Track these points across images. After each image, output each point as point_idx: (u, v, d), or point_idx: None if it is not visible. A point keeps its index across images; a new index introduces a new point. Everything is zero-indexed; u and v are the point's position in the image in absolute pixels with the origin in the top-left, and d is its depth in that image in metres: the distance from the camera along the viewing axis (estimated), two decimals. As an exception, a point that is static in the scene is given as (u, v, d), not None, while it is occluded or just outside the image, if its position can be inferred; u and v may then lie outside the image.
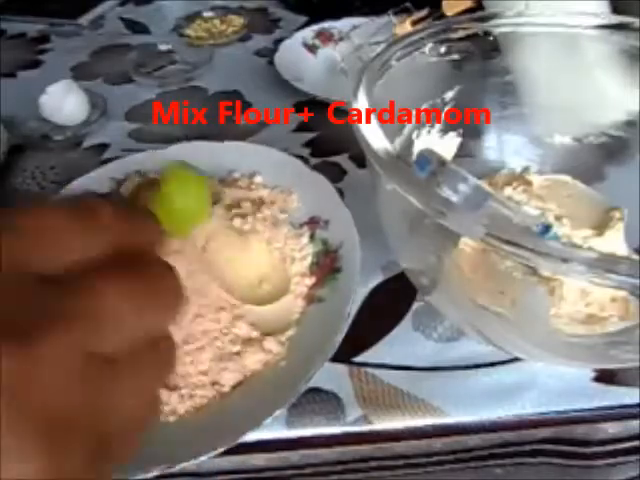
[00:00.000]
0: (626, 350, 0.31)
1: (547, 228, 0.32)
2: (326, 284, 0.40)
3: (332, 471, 0.37)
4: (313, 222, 0.44)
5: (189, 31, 0.76)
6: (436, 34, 0.37)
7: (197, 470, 0.35)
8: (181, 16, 0.80)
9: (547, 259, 0.22)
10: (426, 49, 0.37)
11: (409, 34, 0.36)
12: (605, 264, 0.21)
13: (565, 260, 0.21)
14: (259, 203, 0.44)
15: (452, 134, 0.42)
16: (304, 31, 0.71)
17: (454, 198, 0.20)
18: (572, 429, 0.36)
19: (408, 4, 0.64)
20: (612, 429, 0.35)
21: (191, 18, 0.79)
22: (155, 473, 0.29)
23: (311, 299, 0.39)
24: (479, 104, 0.42)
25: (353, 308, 0.39)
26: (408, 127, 0.39)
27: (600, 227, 0.38)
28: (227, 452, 0.34)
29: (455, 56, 0.38)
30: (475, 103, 0.41)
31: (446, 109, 0.40)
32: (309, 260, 0.41)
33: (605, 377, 0.35)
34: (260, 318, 0.38)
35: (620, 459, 0.37)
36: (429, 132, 0.40)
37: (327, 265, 0.41)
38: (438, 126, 0.41)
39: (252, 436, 0.34)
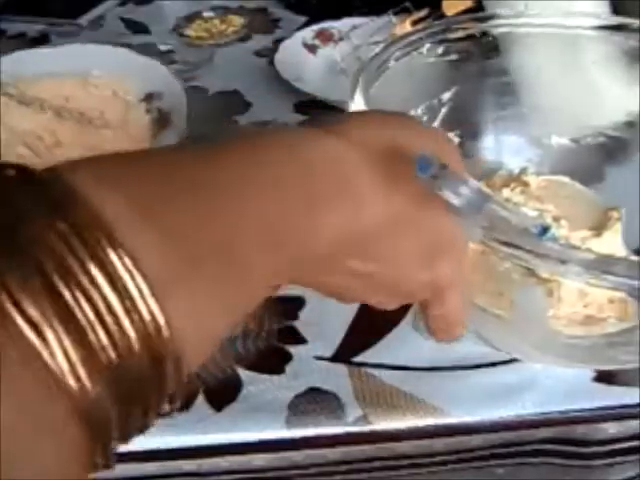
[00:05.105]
0: (625, 351, 0.31)
1: (545, 229, 0.32)
2: (159, 134, 0.49)
3: (336, 471, 0.37)
4: (148, 97, 0.54)
5: (189, 31, 0.76)
6: (434, 34, 0.37)
7: (197, 470, 0.35)
8: (181, 16, 0.80)
9: (545, 260, 0.22)
10: (424, 50, 0.37)
11: (407, 35, 0.36)
12: (602, 265, 0.21)
13: (563, 261, 0.21)
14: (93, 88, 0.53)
15: (450, 135, 0.42)
16: (304, 31, 0.71)
17: (455, 201, 0.20)
18: (572, 429, 0.35)
19: (408, 4, 0.64)
20: (612, 429, 0.35)
21: (191, 18, 0.79)
22: None
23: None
24: (477, 105, 0.42)
25: (352, 310, 0.40)
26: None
27: (598, 228, 0.38)
28: (228, 452, 0.34)
29: (453, 57, 0.38)
30: (473, 104, 0.41)
31: (444, 110, 0.40)
32: (148, 130, 0.50)
33: (605, 377, 0.35)
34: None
35: (618, 459, 0.37)
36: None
37: (162, 121, 0.51)
38: (436, 127, 0.41)
39: (253, 436, 0.34)
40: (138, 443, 0.33)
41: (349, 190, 0.20)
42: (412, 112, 0.39)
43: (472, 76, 0.40)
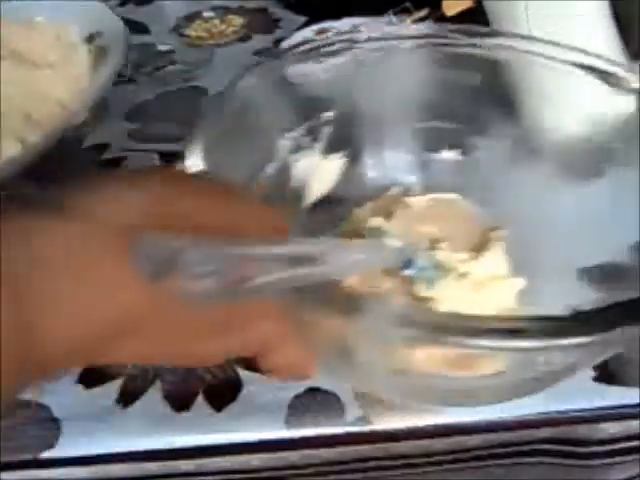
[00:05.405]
0: (495, 392, 0.30)
1: (410, 262, 0.31)
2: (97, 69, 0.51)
3: (331, 471, 0.37)
4: (91, 38, 0.56)
5: (189, 31, 0.76)
6: (308, 52, 0.36)
7: (197, 470, 0.35)
8: (181, 16, 0.80)
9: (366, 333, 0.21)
10: (299, 68, 0.36)
11: (273, 54, 0.35)
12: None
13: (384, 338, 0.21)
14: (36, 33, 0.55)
15: (335, 155, 0.39)
16: (304, 31, 0.71)
17: (194, 289, 0.16)
18: (572, 429, 0.35)
19: (408, 4, 0.64)
20: (612, 429, 0.35)
21: (191, 18, 0.79)
22: None
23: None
24: (362, 123, 0.39)
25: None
26: (282, 151, 0.36)
27: (479, 249, 0.36)
28: (227, 452, 0.34)
29: (330, 74, 0.37)
30: (358, 122, 0.39)
31: (327, 130, 0.38)
32: (88, 69, 0.52)
33: (605, 377, 0.35)
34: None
35: (618, 459, 0.37)
36: (309, 155, 0.38)
37: (101, 57, 0.53)
38: (319, 148, 0.38)
39: (252, 436, 0.34)
40: (138, 443, 0.34)
41: (89, 281, 0.18)
42: (293, 133, 0.37)
43: (355, 94, 0.38)
